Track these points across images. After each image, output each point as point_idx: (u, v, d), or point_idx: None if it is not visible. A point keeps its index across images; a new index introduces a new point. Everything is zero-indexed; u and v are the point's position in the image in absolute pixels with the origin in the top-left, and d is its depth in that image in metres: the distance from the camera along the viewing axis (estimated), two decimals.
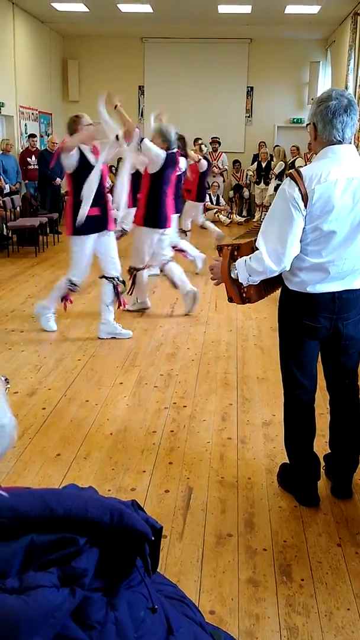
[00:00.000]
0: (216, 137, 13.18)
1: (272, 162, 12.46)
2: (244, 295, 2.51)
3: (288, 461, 2.77)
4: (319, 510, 2.63)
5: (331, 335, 2.52)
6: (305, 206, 2.24)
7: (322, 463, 2.82)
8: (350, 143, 2.41)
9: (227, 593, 2.12)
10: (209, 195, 12.93)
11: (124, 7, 10.68)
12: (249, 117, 14.15)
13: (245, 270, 2.36)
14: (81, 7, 10.80)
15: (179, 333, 5.06)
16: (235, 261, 2.44)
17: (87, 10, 10.93)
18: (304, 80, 13.66)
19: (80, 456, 3.00)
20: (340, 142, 2.32)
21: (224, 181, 13.59)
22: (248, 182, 13.47)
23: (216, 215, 12.46)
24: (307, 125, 2.49)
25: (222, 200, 13.20)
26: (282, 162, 12.03)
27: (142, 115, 14.13)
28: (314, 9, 10.41)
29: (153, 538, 0.81)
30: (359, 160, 2.34)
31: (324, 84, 13.28)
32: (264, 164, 12.73)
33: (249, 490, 2.76)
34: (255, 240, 2.39)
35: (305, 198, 2.23)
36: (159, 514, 2.54)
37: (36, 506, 0.71)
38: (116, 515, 0.77)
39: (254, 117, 14.04)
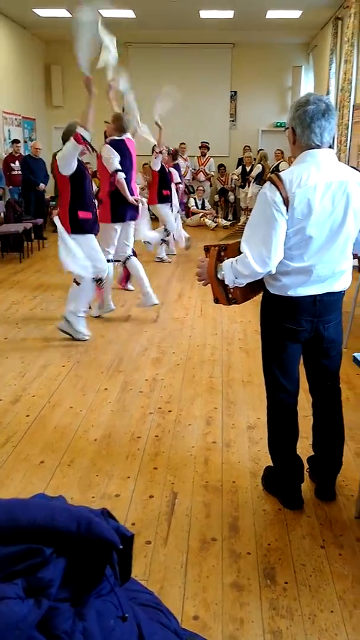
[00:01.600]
0: (205, 142, 13.24)
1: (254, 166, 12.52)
2: (230, 296, 2.51)
3: (272, 464, 2.77)
4: (303, 512, 2.63)
5: (313, 338, 2.53)
6: (287, 210, 2.25)
7: (306, 466, 2.83)
8: (330, 147, 2.42)
9: (211, 598, 2.12)
10: (195, 199, 12.99)
11: (106, 13, 10.68)
12: (233, 121, 14.22)
13: (232, 272, 2.37)
14: (63, 13, 10.80)
15: (164, 338, 5.06)
16: (222, 262, 2.44)
17: (70, 15, 10.92)
18: (286, 85, 13.76)
19: (64, 463, 2.98)
20: (319, 147, 2.34)
21: (210, 186, 13.65)
22: (233, 185, 13.51)
23: (202, 219, 12.49)
24: (285, 129, 2.51)
25: (207, 204, 13.23)
26: (260, 165, 12.06)
27: None
28: (295, 14, 10.50)
29: (121, 547, 0.80)
30: (337, 164, 2.35)
31: (306, 88, 13.37)
32: (248, 168, 12.78)
33: (233, 494, 2.76)
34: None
35: (286, 202, 2.24)
36: (143, 520, 2.54)
37: (0, 516, 0.70)
38: (84, 524, 0.76)
39: (238, 122, 14.11)
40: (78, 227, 4.67)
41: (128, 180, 5.45)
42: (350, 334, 4.89)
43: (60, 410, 3.60)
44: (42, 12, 10.86)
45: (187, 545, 2.39)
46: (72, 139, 4.42)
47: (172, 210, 8.37)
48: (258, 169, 12.01)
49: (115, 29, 11.86)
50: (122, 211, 5.48)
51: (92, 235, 4.86)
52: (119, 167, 5.31)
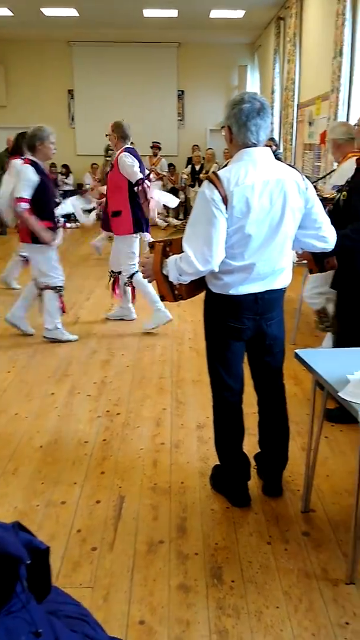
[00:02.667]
0: (157, 142, 13.21)
1: (205, 166, 12.56)
2: (176, 292, 2.50)
3: (219, 463, 2.78)
4: (251, 510, 2.65)
5: (256, 335, 2.54)
6: (226, 208, 2.25)
7: (253, 463, 2.85)
8: (267, 146, 2.44)
9: (157, 601, 2.10)
10: None
11: (48, 11, 10.55)
12: (181, 120, 14.26)
13: (176, 269, 2.36)
14: (5, 12, 10.60)
15: (113, 339, 5.01)
16: (167, 257, 2.43)
17: (12, 14, 10.75)
18: (233, 84, 13.88)
19: (8, 472, 2.92)
20: (255, 145, 2.35)
21: (163, 186, 13.62)
22: (183, 185, 13.53)
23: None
24: (222, 128, 2.51)
25: None
26: (215, 164, 12.14)
27: (72, 119, 14.01)
28: (239, 14, 10.59)
29: (29, 561, 0.77)
30: (274, 163, 2.37)
31: (252, 87, 13.53)
32: (197, 167, 12.82)
33: (181, 494, 2.76)
34: None
35: (225, 200, 2.25)
36: (89, 526, 2.50)
37: None
38: None
39: (186, 121, 14.16)
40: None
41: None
42: (298, 330, 4.96)
43: (5, 418, 3.52)
44: None
45: (134, 549, 2.37)
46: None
47: None
48: (215, 168, 12.06)
49: (59, 27, 11.83)
50: (142, 220, 5.21)
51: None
52: (142, 176, 5.05)
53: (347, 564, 2.23)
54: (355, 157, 3.82)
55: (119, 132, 5.09)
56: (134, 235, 5.23)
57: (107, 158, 8.57)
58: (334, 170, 4.42)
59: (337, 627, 1.99)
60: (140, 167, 5.07)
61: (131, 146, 5.16)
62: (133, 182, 4.98)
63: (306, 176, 2.56)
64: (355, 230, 3.02)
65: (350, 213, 3.09)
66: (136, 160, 5.01)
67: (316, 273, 3.02)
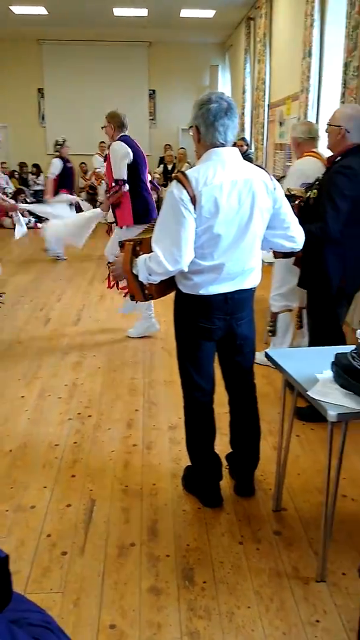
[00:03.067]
0: None
1: (177, 165, 12.56)
2: (146, 292, 2.49)
3: (191, 463, 2.77)
4: (223, 510, 2.65)
5: (226, 335, 2.54)
6: (195, 208, 2.24)
7: (225, 463, 2.85)
8: (239, 146, 2.44)
9: (128, 605, 2.09)
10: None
11: (17, 9, 10.42)
12: (152, 120, 14.22)
13: (145, 269, 2.34)
14: None
15: (85, 341, 4.97)
16: (137, 257, 2.41)
17: None
18: (204, 84, 13.89)
19: None
20: (223, 145, 2.34)
21: None
22: (156, 184, 13.51)
23: None
24: (189, 128, 2.50)
25: None
26: (187, 163, 12.14)
27: (43, 118, 13.87)
28: (209, 13, 10.60)
29: None
30: (242, 162, 2.37)
31: (223, 87, 13.56)
32: (169, 167, 12.81)
33: (153, 496, 2.74)
34: None
35: (193, 200, 2.24)
36: (59, 531, 2.47)
37: None
38: None
39: (158, 120, 14.13)
40: None
41: (142, 175, 4.92)
42: None
43: None
44: None
45: (105, 553, 2.35)
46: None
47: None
48: (187, 168, 12.05)
49: (28, 26, 11.69)
50: (145, 211, 4.85)
51: None
52: (125, 177, 4.73)
53: (317, 562, 2.24)
54: (312, 156, 3.86)
55: (116, 122, 4.81)
56: (135, 226, 4.80)
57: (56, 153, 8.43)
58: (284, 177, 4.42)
59: (308, 626, 2.00)
60: (139, 158, 4.79)
61: (128, 135, 4.87)
62: (114, 176, 4.71)
63: (275, 176, 2.57)
64: (321, 228, 3.04)
65: (319, 212, 3.11)
66: (130, 152, 4.71)
67: (280, 258, 3.02)
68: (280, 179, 5.40)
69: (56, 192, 8.28)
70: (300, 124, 4.09)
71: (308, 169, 3.79)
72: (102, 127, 4.99)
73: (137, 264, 2.39)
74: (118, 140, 4.77)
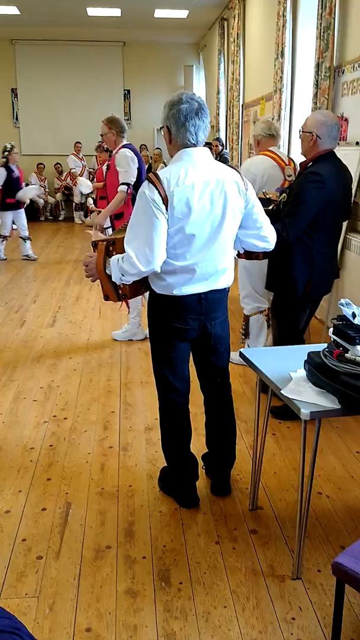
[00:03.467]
0: (102, 142, 13.06)
1: (153, 166, 12.55)
2: (120, 292, 2.48)
3: (167, 464, 2.77)
4: (199, 510, 2.65)
5: (200, 335, 2.54)
6: (167, 209, 2.24)
7: (202, 463, 2.85)
8: (214, 146, 2.44)
9: (104, 608, 2.07)
10: (93, 198, 12.82)
11: None
12: (127, 120, 14.16)
13: (118, 270, 2.33)
14: None
15: (61, 342, 4.94)
16: (110, 257, 2.40)
17: None
18: (179, 84, 13.89)
19: None
20: (194, 145, 2.35)
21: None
22: None
23: None
24: (160, 128, 2.50)
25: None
26: (162, 164, 12.14)
27: (17, 118, 13.75)
28: (183, 14, 10.60)
29: None
30: (213, 163, 2.37)
31: (198, 87, 13.59)
32: (146, 167, 12.79)
33: (129, 498, 2.73)
34: None
35: (165, 201, 2.23)
36: (35, 535, 2.45)
37: None
38: None
39: (133, 120, 14.09)
40: None
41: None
42: None
43: None
44: None
45: (81, 556, 2.33)
46: None
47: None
48: (161, 168, 12.05)
49: (0, 26, 11.55)
50: None
51: None
52: (131, 181, 4.63)
53: (293, 560, 2.26)
54: (266, 155, 3.88)
55: (117, 127, 4.69)
56: None
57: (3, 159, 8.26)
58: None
59: (283, 623, 2.01)
60: (141, 164, 4.74)
61: (129, 143, 4.81)
62: (120, 181, 4.60)
63: None
64: (277, 230, 3.05)
65: (282, 214, 3.14)
66: (136, 159, 4.66)
67: (242, 258, 3.03)
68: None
69: (2, 202, 8.18)
70: (260, 122, 4.11)
71: (254, 167, 3.81)
72: (101, 135, 4.86)
73: (110, 264, 2.38)
74: (125, 147, 4.70)
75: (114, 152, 4.79)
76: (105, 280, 2.45)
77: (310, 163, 3.18)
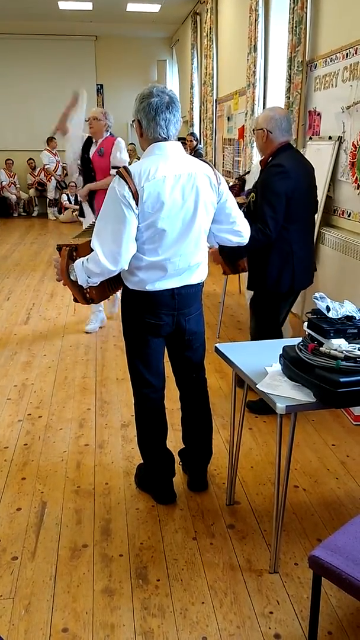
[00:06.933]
0: None
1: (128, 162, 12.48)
2: (87, 295, 2.45)
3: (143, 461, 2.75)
4: (176, 506, 2.64)
5: (175, 331, 2.52)
6: (137, 204, 2.21)
7: (178, 459, 2.84)
8: (188, 141, 2.42)
9: (81, 607, 2.05)
10: (67, 195, 12.71)
11: None
12: None
13: (84, 272, 2.29)
14: None
15: (35, 340, 4.88)
16: (74, 262, 2.36)
17: None
18: (152, 79, 13.82)
19: None
20: (165, 139, 2.32)
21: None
22: None
23: (74, 214, 12.25)
24: (132, 122, 2.47)
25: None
26: (136, 159, 12.07)
27: None
28: (155, 8, 10.54)
29: None
30: (185, 157, 2.35)
31: (171, 82, 13.53)
32: None
33: (105, 496, 2.71)
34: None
35: (135, 196, 2.20)
36: (9, 535, 2.41)
37: None
38: None
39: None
40: None
41: None
42: (222, 323, 5.01)
43: None
44: None
45: (57, 555, 2.31)
46: None
47: None
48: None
49: None
50: None
51: None
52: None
53: (270, 554, 2.26)
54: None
55: (109, 122, 4.94)
56: None
57: None
58: None
59: (261, 617, 2.01)
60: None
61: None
62: (116, 164, 4.76)
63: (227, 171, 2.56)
64: (261, 230, 3.06)
65: (257, 214, 3.14)
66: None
67: (230, 274, 3.04)
68: (245, 174, 5.44)
69: None
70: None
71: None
72: (89, 127, 4.97)
73: (75, 269, 2.34)
74: (119, 138, 4.98)
75: (99, 140, 4.91)
76: (70, 285, 2.41)
77: (270, 158, 3.21)
